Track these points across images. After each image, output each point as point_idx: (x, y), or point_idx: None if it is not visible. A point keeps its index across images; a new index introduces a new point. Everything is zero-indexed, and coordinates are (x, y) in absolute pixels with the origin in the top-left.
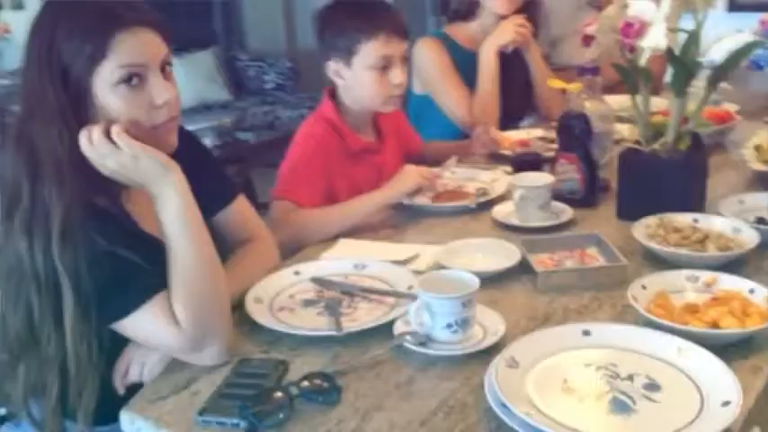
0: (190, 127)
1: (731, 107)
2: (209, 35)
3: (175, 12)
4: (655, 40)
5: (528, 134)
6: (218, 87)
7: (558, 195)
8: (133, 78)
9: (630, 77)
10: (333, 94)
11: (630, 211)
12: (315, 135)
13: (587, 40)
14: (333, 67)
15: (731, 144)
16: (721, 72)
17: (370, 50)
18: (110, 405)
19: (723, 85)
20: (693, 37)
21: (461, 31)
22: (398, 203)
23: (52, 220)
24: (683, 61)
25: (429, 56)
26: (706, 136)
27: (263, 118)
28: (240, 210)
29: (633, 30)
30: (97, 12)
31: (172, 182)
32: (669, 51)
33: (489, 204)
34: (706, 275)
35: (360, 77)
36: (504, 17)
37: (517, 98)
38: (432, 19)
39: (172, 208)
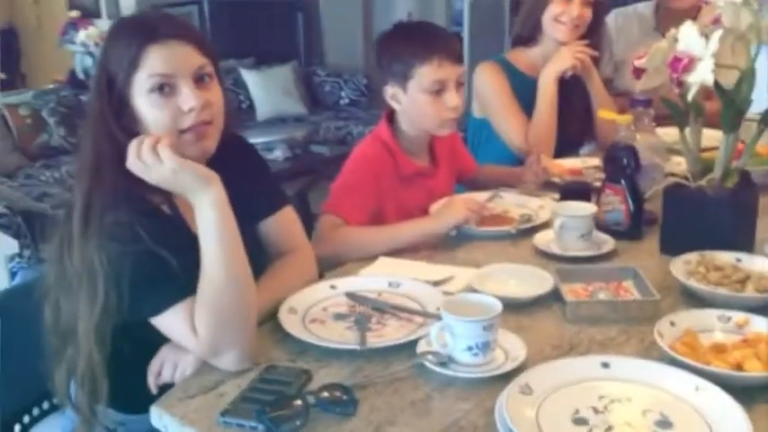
0: (263, 138)
1: None
2: (291, 51)
3: (261, 28)
4: (702, 75)
5: (583, 162)
6: (295, 101)
7: (603, 226)
8: (164, 87)
9: (678, 112)
10: (390, 118)
11: (674, 246)
12: (369, 156)
13: (638, 72)
14: (390, 92)
15: None
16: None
17: (424, 74)
18: (146, 397)
19: None
20: (746, 73)
21: (522, 57)
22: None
23: (94, 216)
24: (731, 98)
25: (488, 80)
26: (762, 174)
27: (336, 132)
28: (285, 220)
29: (681, 64)
30: (137, 26)
31: (208, 196)
32: (718, 87)
33: (532, 231)
34: (738, 316)
35: (415, 101)
36: (564, 44)
37: (576, 125)
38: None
39: (206, 221)
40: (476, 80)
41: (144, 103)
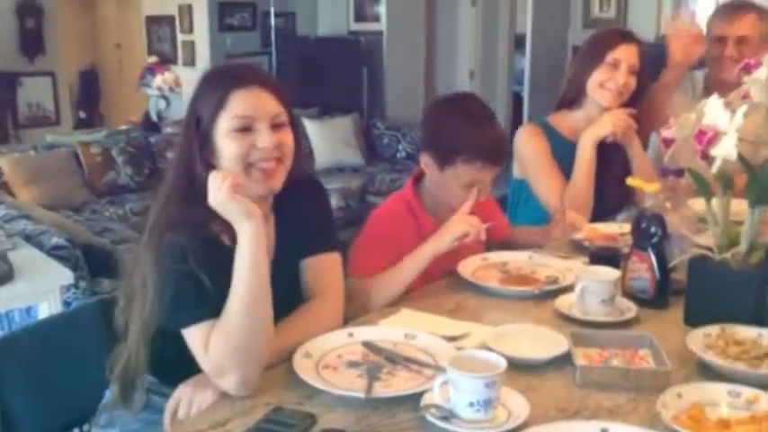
0: None
1: None
2: (354, 103)
3: (327, 80)
4: (726, 149)
5: (619, 228)
6: (353, 151)
7: (629, 293)
8: (245, 127)
9: (703, 183)
10: (417, 179)
11: (698, 317)
12: (389, 213)
13: (667, 141)
14: (426, 161)
15: None
16: None
17: (464, 171)
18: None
19: None
20: None
21: (565, 121)
22: (466, 282)
23: (157, 234)
24: (756, 172)
25: (528, 143)
26: None
27: (391, 184)
28: (328, 264)
29: (706, 137)
30: (226, 73)
31: (247, 227)
32: (743, 161)
33: (557, 293)
34: (749, 392)
35: (448, 185)
36: (607, 109)
37: (616, 191)
38: None
39: (240, 250)
40: (517, 142)
41: (224, 139)
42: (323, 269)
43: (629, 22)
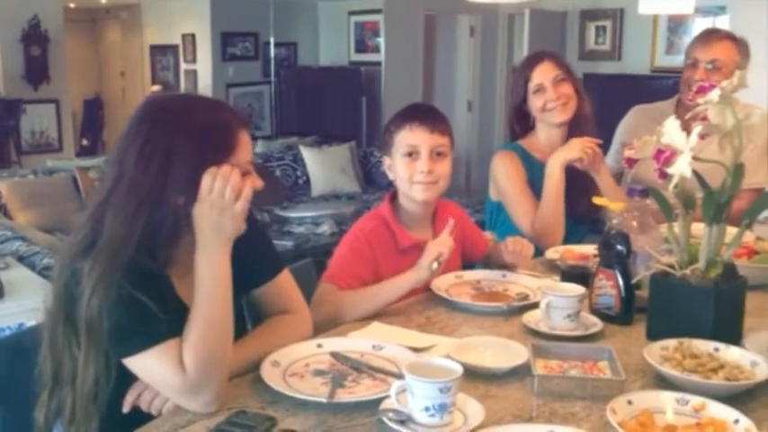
0: (314, 213)
1: None
2: (353, 132)
3: (326, 109)
4: (681, 167)
5: (594, 249)
6: (349, 179)
7: (595, 309)
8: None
9: (664, 201)
10: (393, 197)
11: (660, 333)
12: (365, 229)
13: (630, 162)
14: (387, 163)
15: None
16: (756, 208)
17: (400, 139)
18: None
19: None
20: (735, 168)
21: (533, 143)
22: (438, 298)
23: (93, 275)
24: (711, 191)
25: (501, 167)
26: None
27: None
28: (284, 284)
29: (663, 156)
30: (222, 113)
31: (230, 245)
32: (701, 181)
33: (526, 309)
34: (696, 400)
35: (396, 166)
36: (563, 124)
37: (582, 203)
38: None
39: (220, 263)
40: (492, 166)
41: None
42: (282, 290)
43: (623, 53)
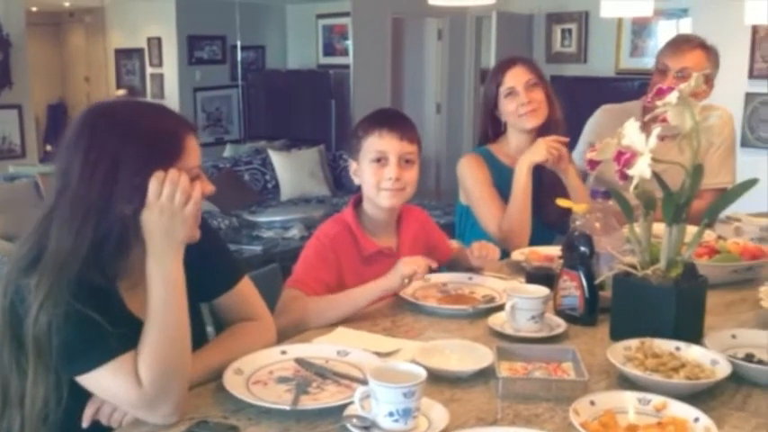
0: (283, 217)
1: None
2: (322, 136)
3: (295, 113)
4: (641, 169)
5: (559, 250)
6: (319, 183)
7: (560, 311)
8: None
9: (626, 203)
10: (357, 203)
11: (623, 333)
12: (328, 234)
13: (592, 163)
14: (353, 167)
15: (762, 282)
16: (715, 208)
17: (369, 144)
18: None
19: None
20: (694, 170)
21: (503, 148)
22: (404, 302)
23: (40, 291)
24: (670, 192)
25: (468, 171)
26: (733, 271)
27: None
28: (244, 291)
29: (624, 158)
30: (167, 118)
31: (181, 252)
32: (660, 182)
33: (491, 311)
34: (657, 400)
35: (363, 171)
36: (533, 130)
37: (553, 208)
38: None
39: (172, 271)
40: (459, 170)
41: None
42: (242, 298)
43: (589, 55)
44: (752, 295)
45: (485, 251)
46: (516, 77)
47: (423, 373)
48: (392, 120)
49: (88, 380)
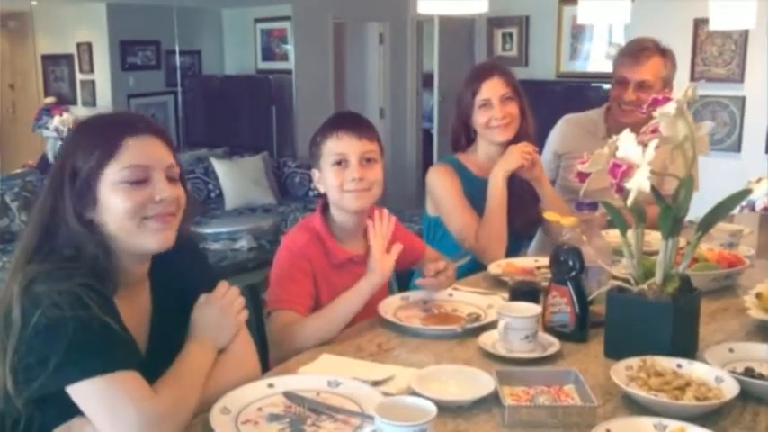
0: (229, 228)
1: (746, 251)
2: (264, 142)
3: (234, 120)
4: (639, 181)
5: (535, 262)
6: (264, 191)
7: (549, 327)
8: (138, 180)
9: (618, 216)
10: (324, 209)
11: (617, 350)
12: (297, 243)
13: (582, 176)
14: (316, 176)
15: (741, 290)
16: (710, 220)
17: (328, 148)
18: None
19: (746, 229)
20: (685, 182)
21: (472, 158)
22: (387, 323)
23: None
24: (668, 205)
25: (438, 181)
26: (712, 279)
27: None
28: None
29: (620, 170)
30: (113, 121)
31: (220, 346)
32: (656, 194)
33: (480, 330)
34: (674, 425)
35: (326, 176)
36: (503, 143)
37: (521, 218)
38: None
39: (207, 359)
40: (429, 180)
41: (113, 192)
42: None
43: (530, 58)
44: (733, 303)
45: (442, 278)
46: (492, 89)
47: (433, 409)
48: (349, 121)
49: (91, 386)
